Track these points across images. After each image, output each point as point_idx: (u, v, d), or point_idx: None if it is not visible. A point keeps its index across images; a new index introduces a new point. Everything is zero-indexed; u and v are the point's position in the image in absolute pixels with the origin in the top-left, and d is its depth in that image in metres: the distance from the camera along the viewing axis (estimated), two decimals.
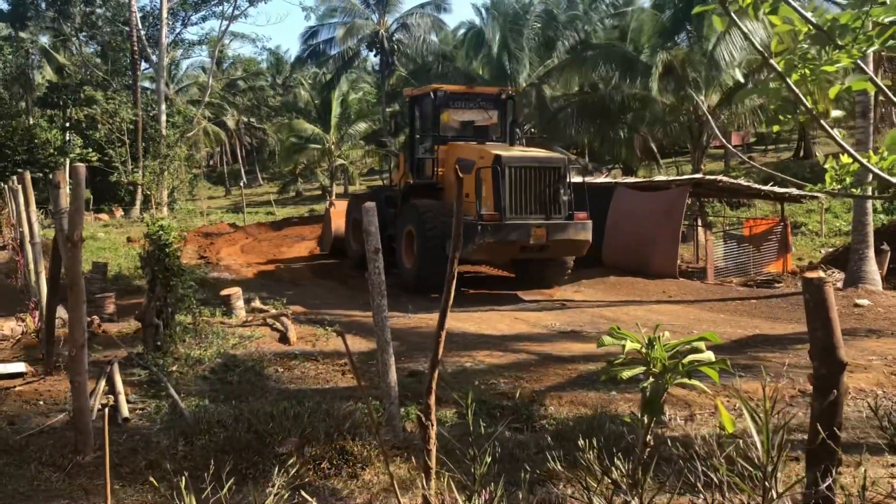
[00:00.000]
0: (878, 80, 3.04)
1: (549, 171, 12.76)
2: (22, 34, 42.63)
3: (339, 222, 17.11)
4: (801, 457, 4.17)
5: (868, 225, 13.26)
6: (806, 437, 3.25)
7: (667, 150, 34.37)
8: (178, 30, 43.31)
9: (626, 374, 2.61)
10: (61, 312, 7.20)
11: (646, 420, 2.64)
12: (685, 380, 2.58)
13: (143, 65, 40.76)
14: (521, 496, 3.51)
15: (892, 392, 6.74)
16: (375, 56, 42.46)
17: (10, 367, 7.06)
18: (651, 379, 2.60)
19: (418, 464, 4.34)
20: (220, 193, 58.39)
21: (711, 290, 14.08)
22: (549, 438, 5.04)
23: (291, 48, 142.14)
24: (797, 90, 2.84)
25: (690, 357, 2.58)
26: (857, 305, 11.50)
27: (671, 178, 19.67)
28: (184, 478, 2.87)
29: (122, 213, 34.52)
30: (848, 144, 3.17)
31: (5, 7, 44.42)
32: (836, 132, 3.10)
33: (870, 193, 5.14)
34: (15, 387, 6.68)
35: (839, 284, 13.27)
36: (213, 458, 4.16)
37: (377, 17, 40.48)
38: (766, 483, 2.36)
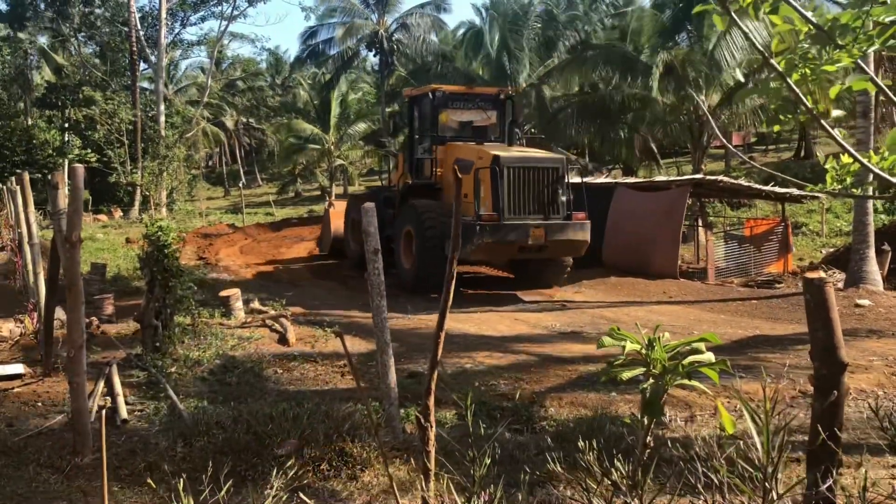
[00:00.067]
0: (879, 80, 3.03)
1: (548, 171, 12.77)
2: (20, 35, 42.60)
3: (337, 223, 17.12)
4: (802, 458, 4.16)
5: (869, 225, 13.25)
6: (807, 438, 3.24)
7: (667, 150, 34.39)
8: (176, 30, 43.36)
9: (626, 375, 2.60)
10: (60, 313, 7.18)
11: (646, 421, 2.63)
12: (685, 381, 2.57)
13: (142, 65, 40.78)
14: (520, 498, 3.50)
15: (893, 393, 6.73)
16: (375, 56, 42.51)
17: (9, 369, 7.04)
18: (651, 380, 2.59)
19: (418, 465, 4.33)
20: (219, 194, 58.39)
21: (712, 291, 14.07)
22: (549, 440, 5.03)
23: (291, 48, 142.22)
24: (797, 90, 2.83)
25: (690, 358, 2.57)
26: (857, 306, 11.49)
27: (672, 178, 19.67)
28: (182, 479, 2.86)
29: (121, 214, 34.49)
30: (849, 144, 3.16)
31: (4, 7, 44.45)
32: (836, 132, 3.09)
33: (870, 193, 5.13)
34: (13, 388, 6.67)
35: (840, 285, 13.26)
36: (212, 460, 4.14)
37: (377, 17, 40.50)
38: (767, 484, 2.35)
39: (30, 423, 5.70)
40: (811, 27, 2.69)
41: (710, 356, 2.57)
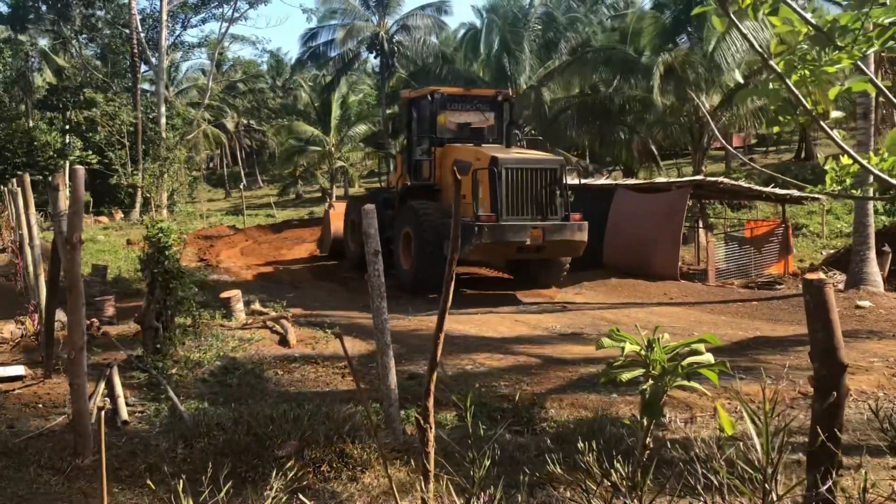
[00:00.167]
0: (879, 82, 3.03)
1: (545, 172, 12.84)
2: (21, 37, 42.63)
3: (337, 224, 17.17)
4: (802, 459, 4.16)
5: (869, 226, 13.25)
6: (807, 439, 3.24)
7: (667, 151, 34.38)
8: (177, 32, 43.37)
9: (626, 376, 2.60)
10: (61, 315, 7.19)
11: (645, 422, 2.63)
12: (685, 382, 2.57)
13: (143, 67, 40.79)
14: (520, 499, 3.50)
15: (894, 394, 6.72)
16: (375, 58, 42.50)
17: (10, 370, 7.05)
18: (650, 381, 2.59)
19: (418, 467, 4.33)
20: (220, 196, 58.44)
21: (712, 292, 14.07)
22: (549, 441, 5.03)
23: (291, 50, 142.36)
24: (797, 91, 2.83)
25: (690, 359, 2.57)
26: (858, 307, 11.48)
27: (672, 179, 19.67)
28: (182, 481, 2.86)
29: (122, 216, 34.52)
30: (849, 146, 3.16)
31: (5, 10, 44.46)
32: (835, 133, 3.09)
33: (870, 195, 5.13)
34: (14, 390, 6.67)
35: (840, 286, 13.26)
36: (212, 461, 4.15)
37: (377, 19, 40.50)
38: (767, 485, 2.35)
39: (30, 425, 5.70)
40: (811, 28, 2.70)
41: (709, 357, 2.57)
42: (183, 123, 41.36)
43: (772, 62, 2.83)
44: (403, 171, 15.14)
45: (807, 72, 2.82)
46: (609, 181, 20.83)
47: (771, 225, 18.92)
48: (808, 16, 2.69)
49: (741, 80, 22.72)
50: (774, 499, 2.36)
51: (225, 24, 42.20)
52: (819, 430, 2.85)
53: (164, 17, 37.75)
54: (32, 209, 8.62)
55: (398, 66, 39.48)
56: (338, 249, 17.20)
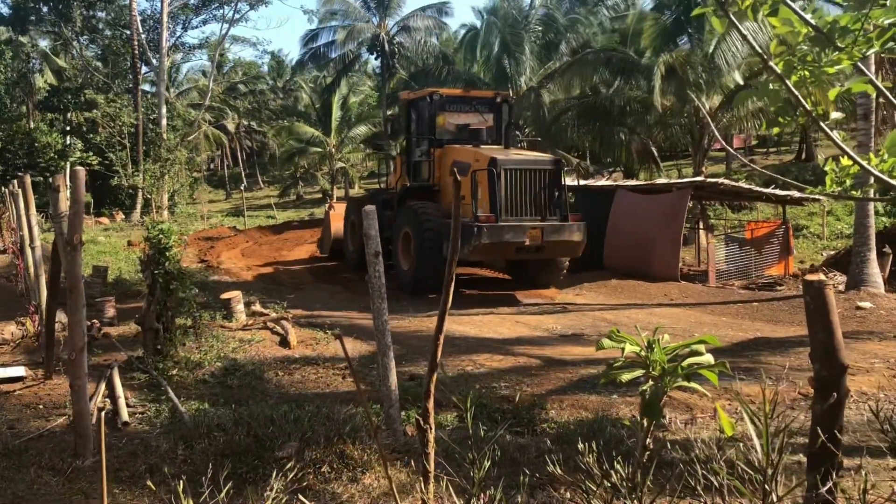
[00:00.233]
0: (879, 83, 3.03)
1: (544, 173, 12.89)
2: (22, 38, 42.64)
3: (338, 225, 17.20)
4: (802, 460, 4.15)
5: (870, 227, 13.26)
6: (807, 440, 3.23)
7: (668, 152, 34.39)
8: (178, 33, 43.36)
9: (625, 377, 2.60)
10: (61, 316, 7.19)
11: (645, 423, 2.63)
12: (685, 383, 2.56)
13: (144, 68, 40.78)
14: (520, 500, 3.49)
15: (894, 395, 6.71)
16: (376, 59, 42.51)
17: (10, 371, 7.05)
18: (650, 382, 2.59)
19: (418, 468, 4.33)
20: (221, 197, 58.47)
21: (713, 293, 14.07)
22: (550, 442, 5.03)
23: (292, 51, 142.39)
24: (797, 92, 2.83)
25: (690, 360, 2.57)
26: (858, 308, 11.48)
27: (672, 180, 19.68)
28: (182, 482, 2.86)
29: (123, 217, 34.54)
30: (849, 147, 3.16)
31: (6, 11, 44.49)
32: (835, 134, 3.09)
33: (871, 196, 5.13)
34: (15, 390, 6.68)
35: (841, 287, 13.27)
36: (213, 462, 4.15)
37: (377, 20, 40.50)
38: (767, 486, 2.35)
39: (31, 426, 5.70)
40: (810, 29, 2.70)
41: (709, 358, 2.57)
42: (184, 124, 41.36)
43: (772, 63, 2.83)
44: (403, 173, 15.18)
45: (807, 73, 2.82)
46: (609, 182, 20.84)
47: (771, 226, 18.92)
48: (808, 17, 2.69)
49: (741, 82, 22.74)
50: (774, 500, 2.36)
51: (225, 26, 42.14)
52: (819, 432, 2.85)
53: (165, 18, 37.76)
54: (33, 210, 8.64)
55: (399, 67, 39.49)
56: (338, 250, 17.22)
